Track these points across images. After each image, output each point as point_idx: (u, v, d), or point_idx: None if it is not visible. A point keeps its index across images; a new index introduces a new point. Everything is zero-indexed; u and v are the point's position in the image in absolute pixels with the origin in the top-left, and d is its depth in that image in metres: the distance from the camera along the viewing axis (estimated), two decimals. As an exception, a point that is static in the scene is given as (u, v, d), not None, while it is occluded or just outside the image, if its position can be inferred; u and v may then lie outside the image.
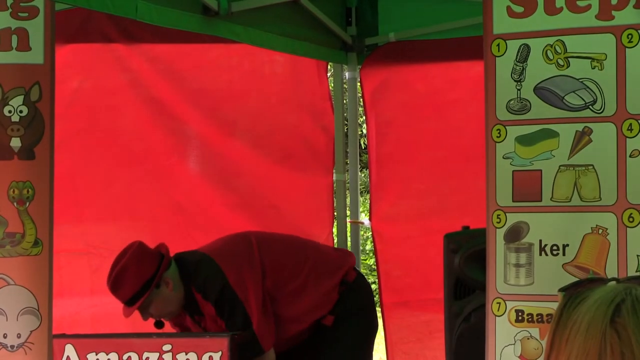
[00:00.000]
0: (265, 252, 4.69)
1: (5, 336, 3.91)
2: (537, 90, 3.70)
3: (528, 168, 3.71)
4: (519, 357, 3.70)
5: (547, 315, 3.66)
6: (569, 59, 3.66)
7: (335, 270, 4.78)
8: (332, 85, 6.89)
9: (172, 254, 4.67)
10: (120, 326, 5.28)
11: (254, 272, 4.57)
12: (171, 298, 4.55)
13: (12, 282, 3.93)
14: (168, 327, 4.87)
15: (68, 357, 4.08)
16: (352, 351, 4.77)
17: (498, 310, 3.74)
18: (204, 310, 4.57)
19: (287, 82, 6.05)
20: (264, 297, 4.57)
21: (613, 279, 1.75)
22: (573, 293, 1.71)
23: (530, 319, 3.69)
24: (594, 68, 3.63)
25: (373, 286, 5.73)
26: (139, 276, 4.47)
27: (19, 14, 3.94)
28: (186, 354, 4.06)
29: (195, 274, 4.58)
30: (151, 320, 4.66)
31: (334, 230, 6.10)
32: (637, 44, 3.59)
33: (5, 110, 3.94)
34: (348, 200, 6.33)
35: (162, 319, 4.63)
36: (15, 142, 3.95)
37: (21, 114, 3.95)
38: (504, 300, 3.73)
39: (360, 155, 6.90)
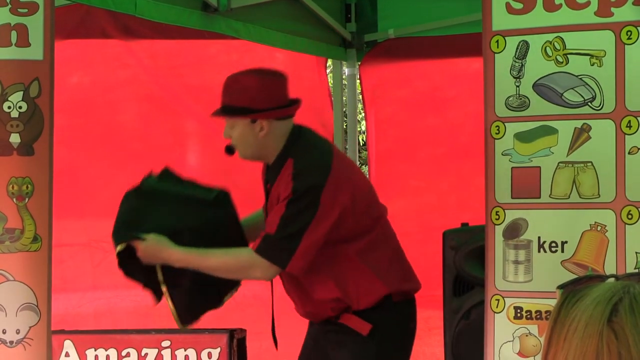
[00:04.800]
0: (370, 217, 4.11)
1: (4, 332, 3.91)
2: (536, 86, 3.70)
3: (527, 165, 3.71)
4: (517, 354, 3.70)
5: (546, 312, 3.66)
6: (568, 56, 3.66)
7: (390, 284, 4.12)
8: (332, 81, 6.90)
9: None
10: (122, 321, 5.28)
11: (345, 211, 3.99)
12: (251, 142, 4.10)
13: (11, 278, 3.93)
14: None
15: (67, 352, 4.08)
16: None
17: (497, 307, 3.74)
18: (279, 184, 4.08)
19: (286, 79, 6.05)
20: (328, 234, 3.98)
21: (612, 275, 1.75)
22: (571, 290, 1.70)
23: (528, 316, 3.69)
24: (593, 65, 3.63)
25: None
26: (249, 95, 4.10)
27: (19, 9, 3.93)
28: (185, 350, 4.06)
29: (304, 151, 4.11)
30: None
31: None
32: (636, 41, 3.58)
33: (5, 106, 3.94)
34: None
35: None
36: (15, 138, 3.94)
37: (20, 110, 3.94)
38: (503, 297, 3.73)
39: (359, 152, 6.90)
